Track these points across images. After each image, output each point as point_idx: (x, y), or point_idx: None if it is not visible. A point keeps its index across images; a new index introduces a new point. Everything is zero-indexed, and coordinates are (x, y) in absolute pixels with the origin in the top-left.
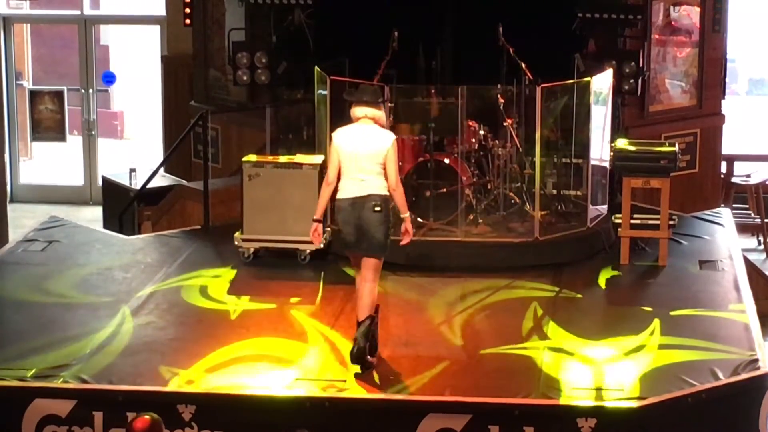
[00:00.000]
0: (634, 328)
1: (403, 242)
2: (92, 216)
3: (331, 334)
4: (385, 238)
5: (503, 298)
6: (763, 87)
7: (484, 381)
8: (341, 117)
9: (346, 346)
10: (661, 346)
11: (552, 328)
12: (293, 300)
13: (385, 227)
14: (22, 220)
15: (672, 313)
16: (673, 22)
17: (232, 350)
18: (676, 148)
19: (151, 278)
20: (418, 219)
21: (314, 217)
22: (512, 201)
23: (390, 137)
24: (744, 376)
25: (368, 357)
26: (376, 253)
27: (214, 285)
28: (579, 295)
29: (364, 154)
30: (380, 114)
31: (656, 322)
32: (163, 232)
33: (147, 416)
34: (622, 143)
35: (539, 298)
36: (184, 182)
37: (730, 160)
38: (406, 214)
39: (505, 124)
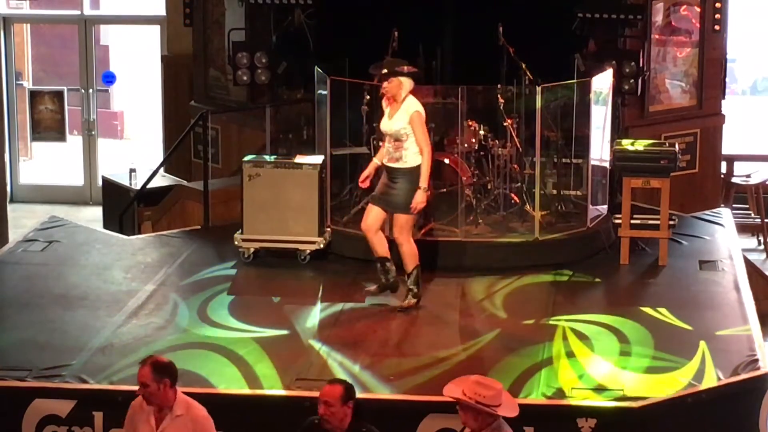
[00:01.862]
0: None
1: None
2: (92, 216)
3: (331, 334)
4: None
5: (510, 292)
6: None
7: None
8: (341, 117)
9: (346, 346)
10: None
11: (551, 327)
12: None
13: None
14: (22, 220)
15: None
16: (673, 22)
17: (231, 350)
18: (676, 148)
19: (151, 278)
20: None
21: (424, 186)
22: (512, 201)
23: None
24: (744, 376)
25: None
26: None
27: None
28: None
29: None
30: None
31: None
32: (163, 232)
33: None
34: (628, 143)
35: (539, 295)
36: (184, 182)
37: (730, 160)
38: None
39: (505, 124)
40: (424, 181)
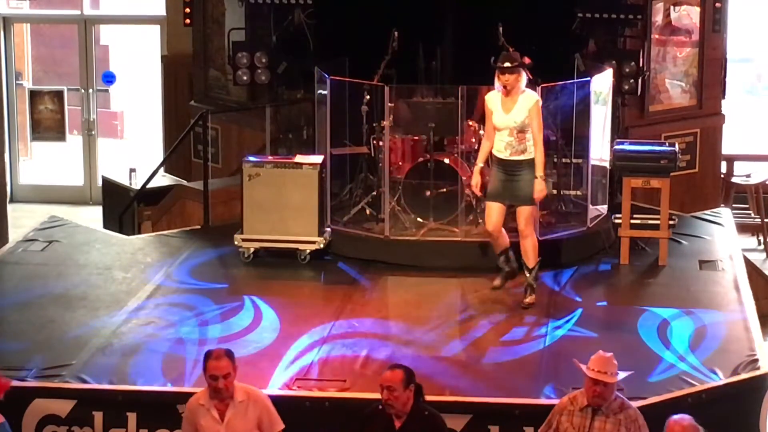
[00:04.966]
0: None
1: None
2: (92, 216)
3: (331, 334)
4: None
5: (510, 292)
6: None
7: (484, 381)
8: (341, 117)
9: (346, 346)
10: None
11: (551, 326)
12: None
13: None
14: (22, 220)
15: None
16: (673, 22)
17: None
18: (676, 148)
19: (151, 278)
20: (418, 219)
21: (542, 175)
22: None
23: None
24: (744, 376)
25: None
26: None
27: None
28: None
29: None
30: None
31: None
32: (163, 232)
33: None
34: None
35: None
36: (184, 182)
37: (730, 160)
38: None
39: None
40: (541, 170)
